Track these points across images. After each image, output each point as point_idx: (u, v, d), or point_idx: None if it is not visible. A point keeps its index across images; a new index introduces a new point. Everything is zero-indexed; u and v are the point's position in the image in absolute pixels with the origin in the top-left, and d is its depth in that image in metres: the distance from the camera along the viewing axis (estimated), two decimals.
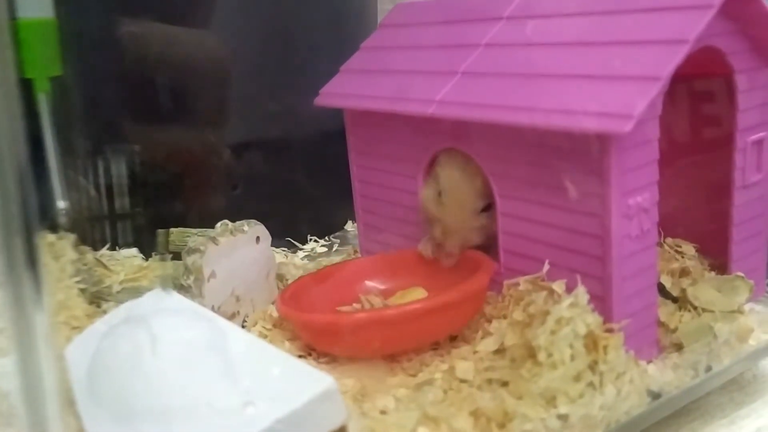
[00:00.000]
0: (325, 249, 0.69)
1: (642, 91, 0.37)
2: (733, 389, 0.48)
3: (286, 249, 0.67)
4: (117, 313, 0.42)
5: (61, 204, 0.50)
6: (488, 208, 0.48)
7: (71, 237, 0.49)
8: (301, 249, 0.68)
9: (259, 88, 0.67)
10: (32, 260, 0.24)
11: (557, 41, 0.44)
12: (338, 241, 0.71)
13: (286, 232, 0.69)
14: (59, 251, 0.48)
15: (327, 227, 0.73)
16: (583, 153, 0.40)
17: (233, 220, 0.51)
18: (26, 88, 0.46)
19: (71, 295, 0.45)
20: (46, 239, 0.46)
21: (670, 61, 0.37)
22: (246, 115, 0.67)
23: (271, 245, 0.66)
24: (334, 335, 0.43)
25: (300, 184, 0.71)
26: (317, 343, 0.45)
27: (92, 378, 0.34)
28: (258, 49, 0.66)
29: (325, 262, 0.62)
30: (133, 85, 0.61)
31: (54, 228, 0.49)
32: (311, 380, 0.33)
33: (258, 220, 0.53)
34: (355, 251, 0.63)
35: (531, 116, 0.41)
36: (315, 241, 0.70)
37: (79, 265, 0.47)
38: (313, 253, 0.68)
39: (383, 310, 0.48)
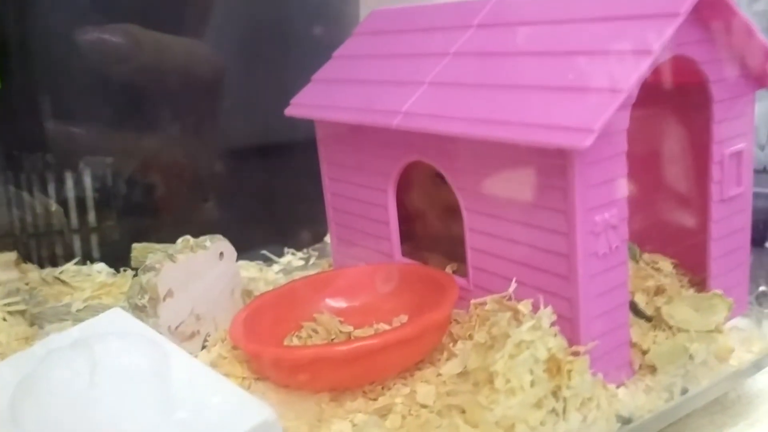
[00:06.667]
0: (302, 262, 0.67)
1: (603, 105, 0.35)
2: (715, 411, 0.46)
3: (261, 262, 0.66)
4: (65, 336, 0.40)
5: None
6: None
7: (8, 256, 0.47)
8: (276, 262, 0.67)
9: (236, 96, 0.65)
10: None
11: (523, 51, 0.43)
12: (316, 253, 0.69)
13: (263, 245, 0.68)
14: None
15: (306, 239, 0.71)
16: (547, 168, 0.38)
17: (207, 234, 0.50)
18: None
19: None
20: None
21: (633, 73, 0.35)
22: (222, 124, 0.66)
23: (247, 258, 0.65)
24: (280, 370, 0.41)
25: (277, 195, 0.69)
26: (265, 374, 0.43)
27: (17, 406, 0.33)
28: (233, 58, 0.65)
29: (300, 276, 0.60)
30: (92, 95, 0.60)
31: None
32: (250, 411, 0.32)
33: (233, 233, 0.52)
34: (330, 265, 0.61)
35: (492, 129, 0.40)
36: (292, 254, 0.69)
37: (20, 284, 0.45)
38: (288, 267, 0.66)
39: (332, 346, 0.44)
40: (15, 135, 0.61)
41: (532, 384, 0.35)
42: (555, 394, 0.36)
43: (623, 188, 0.39)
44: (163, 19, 0.61)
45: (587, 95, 0.36)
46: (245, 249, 0.59)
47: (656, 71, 0.40)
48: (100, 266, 0.61)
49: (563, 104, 0.37)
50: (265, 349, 0.41)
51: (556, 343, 0.37)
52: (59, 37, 0.58)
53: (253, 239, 0.66)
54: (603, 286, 0.39)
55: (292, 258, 0.68)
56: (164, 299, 0.44)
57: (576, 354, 0.38)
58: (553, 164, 0.38)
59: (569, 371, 0.37)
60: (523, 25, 0.44)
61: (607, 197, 0.39)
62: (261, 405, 0.32)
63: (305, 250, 0.70)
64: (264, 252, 0.67)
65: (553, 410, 0.36)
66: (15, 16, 0.59)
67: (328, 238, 0.72)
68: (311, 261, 0.67)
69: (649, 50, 0.36)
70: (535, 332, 0.37)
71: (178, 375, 0.35)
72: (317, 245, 0.71)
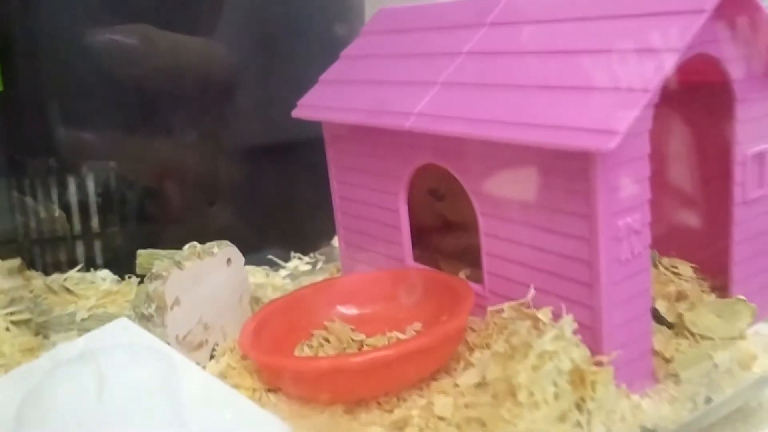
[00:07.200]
0: (309, 267, 0.66)
1: (628, 105, 0.34)
2: (737, 419, 0.45)
3: (268, 267, 0.64)
4: (71, 347, 0.39)
5: None
6: None
7: (11, 263, 0.45)
8: (283, 267, 0.65)
9: (241, 99, 0.64)
10: None
11: (541, 49, 0.41)
12: (323, 258, 0.67)
13: (269, 249, 0.66)
14: None
15: (313, 243, 0.70)
16: (568, 170, 0.37)
17: (212, 238, 0.49)
18: None
19: None
20: None
21: (659, 72, 0.34)
22: (228, 128, 0.64)
23: (253, 263, 0.64)
24: (294, 381, 0.40)
25: (284, 198, 0.68)
26: (278, 385, 0.42)
27: (21, 424, 0.31)
28: (239, 58, 0.63)
29: (307, 281, 0.59)
30: (97, 98, 0.59)
31: None
32: (265, 427, 0.31)
33: (238, 237, 0.50)
34: (338, 269, 0.60)
35: (510, 131, 0.38)
36: (299, 258, 0.67)
37: (24, 292, 0.43)
38: (296, 272, 0.64)
39: (348, 357, 0.43)
40: (19, 139, 0.59)
41: (556, 396, 0.34)
42: (579, 406, 0.35)
43: (646, 192, 0.38)
44: (175, 18, 0.59)
45: (611, 95, 0.35)
46: (251, 253, 0.57)
47: (677, 70, 0.38)
48: (105, 273, 0.60)
49: (585, 105, 0.35)
50: (278, 360, 0.40)
51: (579, 353, 0.36)
52: (66, 39, 0.57)
53: (258, 243, 0.65)
54: (626, 293, 0.38)
55: (299, 262, 0.66)
56: (171, 308, 0.43)
57: (600, 364, 0.37)
58: (575, 167, 0.36)
59: (593, 382, 0.36)
60: (541, 23, 0.42)
61: (630, 201, 0.37)
62: (276, 421, 0.31)
63: (312, 255, 0.68)
64: (270, 257, 0.66)
65: (578, 423, 0.35)
66: (21, 18, 0.57)
67: (335, 242, 0.71)
68: (318, 265, 0.66)
69: (674, 48, 0.34)
70: (558, 342, 0.35)
71: (188, 389, 0.34)
72: (324, 249, 0.70)
